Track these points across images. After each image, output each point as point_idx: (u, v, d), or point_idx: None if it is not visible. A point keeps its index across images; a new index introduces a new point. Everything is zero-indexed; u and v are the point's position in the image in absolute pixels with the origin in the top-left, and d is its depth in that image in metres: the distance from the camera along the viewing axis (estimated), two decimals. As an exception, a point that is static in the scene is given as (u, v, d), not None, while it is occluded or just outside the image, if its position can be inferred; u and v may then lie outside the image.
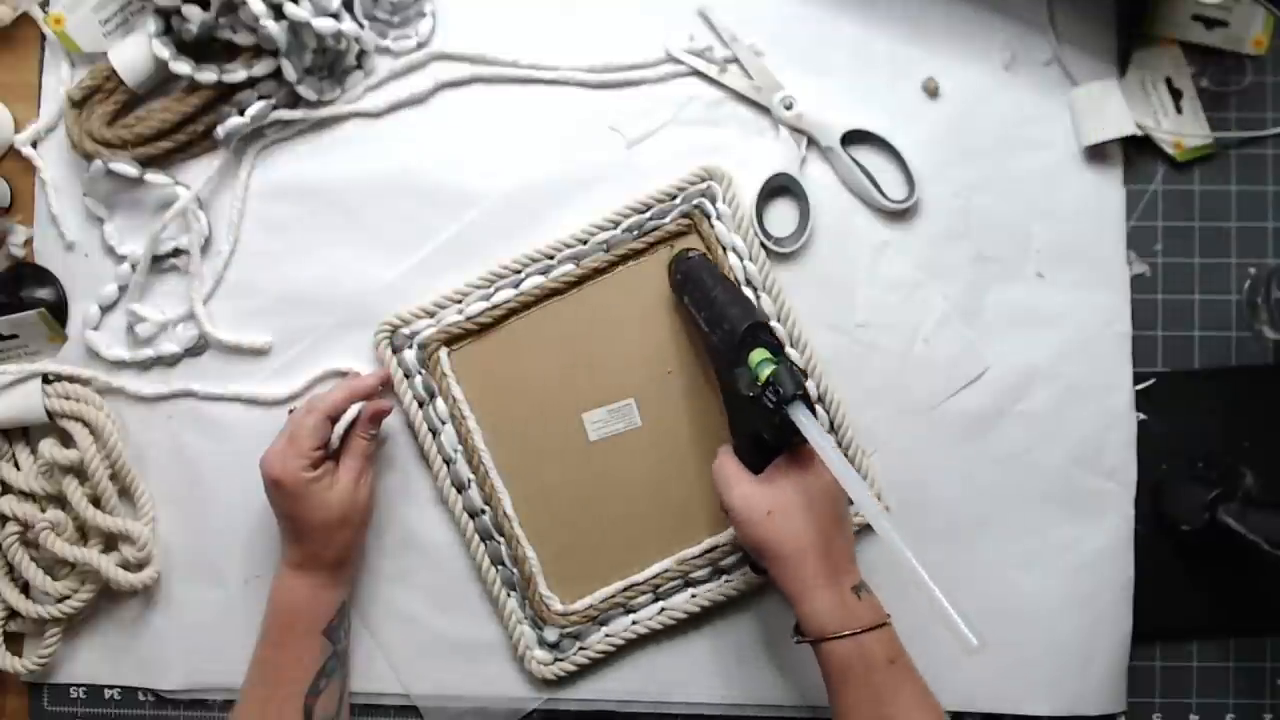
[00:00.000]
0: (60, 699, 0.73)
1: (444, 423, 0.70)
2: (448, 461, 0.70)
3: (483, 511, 0.70)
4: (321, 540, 0.66)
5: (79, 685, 0.73)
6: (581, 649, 0.70)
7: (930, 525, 0.70)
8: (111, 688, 0.73)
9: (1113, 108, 0.71)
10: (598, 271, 0.71)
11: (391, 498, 0.71)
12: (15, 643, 0.72)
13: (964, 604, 0.68)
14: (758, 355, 0.58)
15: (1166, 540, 0.70)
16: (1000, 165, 0.72)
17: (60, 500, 0.71)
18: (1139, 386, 0.71)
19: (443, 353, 0.70)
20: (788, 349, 0.70)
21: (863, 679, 0.56)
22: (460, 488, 0.70)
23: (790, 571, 0.58)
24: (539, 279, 0.70)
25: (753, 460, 0.60)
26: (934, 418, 0.71)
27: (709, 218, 0.71)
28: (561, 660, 0.69)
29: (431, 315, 0.71)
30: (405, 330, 0.71)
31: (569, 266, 0.70)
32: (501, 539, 0.70)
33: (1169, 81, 0.71)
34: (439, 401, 0.70)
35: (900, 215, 0.71)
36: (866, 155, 0.72)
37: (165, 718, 0.73)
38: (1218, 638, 0.71)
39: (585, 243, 0.71)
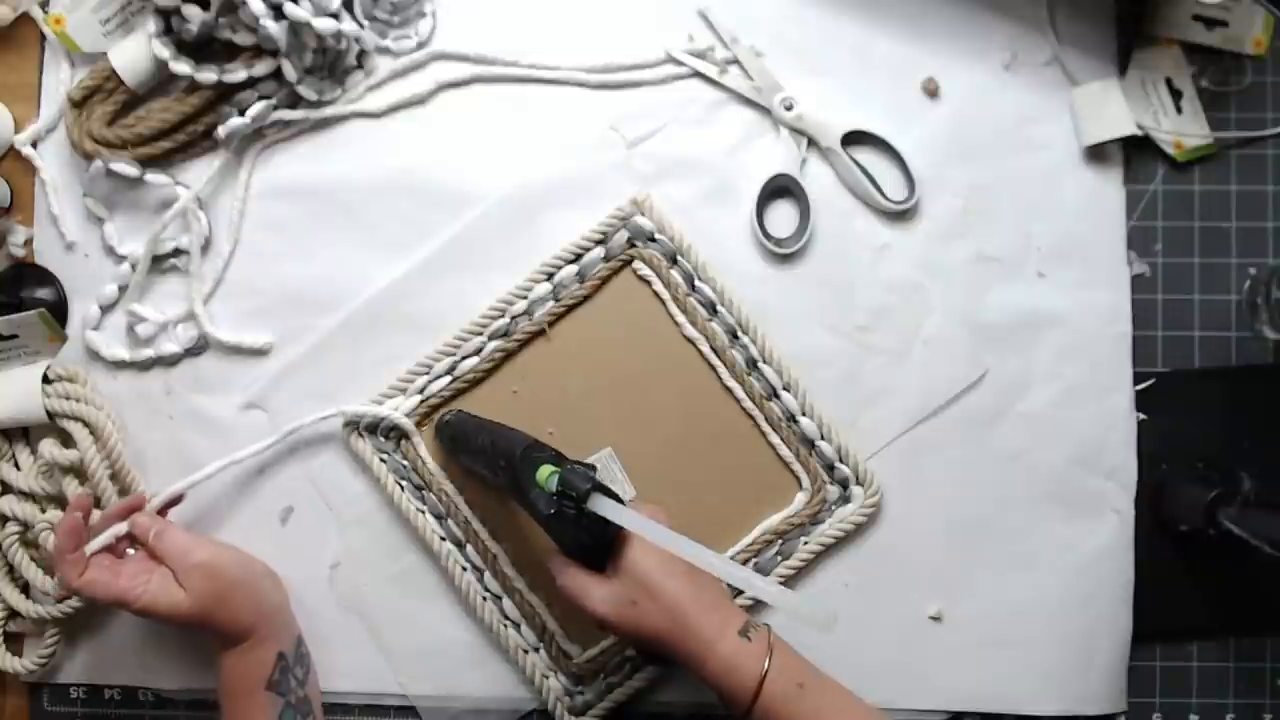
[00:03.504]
0: (60, 699, 0.73)
1: (422, 489, 0.71)
2: (444, 539, 0.71)
3: (481, 572, 0.71)
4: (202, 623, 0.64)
5: (79, 685, 0.73)
6: (609, 682, 0.70)
7: (930, 525, 0.70)
8: (111, 688, 0.73)
9: (1113, 108, 0.71)
10: (552, 323, 0.71)
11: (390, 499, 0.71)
12: (15, 643, 0.72)
13: (965, 604, 0.69)
14: (543, 472, 0.58)
15: (1166, 540, 0.70)
16: (1000, 165, 0.72)
17: (60, 500, 0.71)
18: (1139, 386, 0.71)
19: (413, 434, 0.70)
20: (760, 363, 0.70)
21: (783, 715, 0.56)
22: (462, 548, 0.71)
23: (681, 648, 0.57)
24: (495, 343, 0.71)
25: (592, 567, 0.60)
26: (934, 418, 0.71)
27: (641, 242, 0.71)
28: (592, 709, 0.70)
29: (389, 399, 0.71)
30: (368, 419, 0.70)
31: (523, 322, 0.71)
32: (508, 595, 0.71)
33: (1169, 81, 0.71)
34: (414, 476, 0.71)
35: (900, 216, 0.71)
36: (866, 156, 0.72)
37: (165, 718, 0.73)
38: (1218, 638, 0.71)
39: (526, 298, 0.71)
